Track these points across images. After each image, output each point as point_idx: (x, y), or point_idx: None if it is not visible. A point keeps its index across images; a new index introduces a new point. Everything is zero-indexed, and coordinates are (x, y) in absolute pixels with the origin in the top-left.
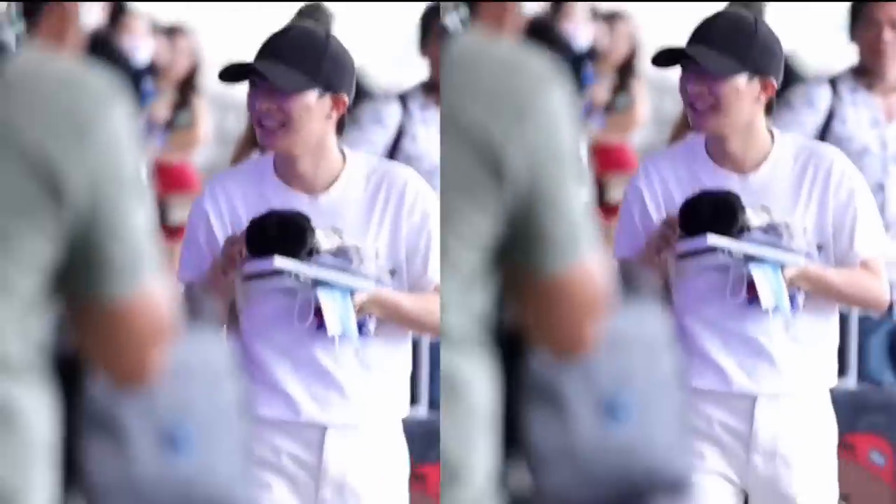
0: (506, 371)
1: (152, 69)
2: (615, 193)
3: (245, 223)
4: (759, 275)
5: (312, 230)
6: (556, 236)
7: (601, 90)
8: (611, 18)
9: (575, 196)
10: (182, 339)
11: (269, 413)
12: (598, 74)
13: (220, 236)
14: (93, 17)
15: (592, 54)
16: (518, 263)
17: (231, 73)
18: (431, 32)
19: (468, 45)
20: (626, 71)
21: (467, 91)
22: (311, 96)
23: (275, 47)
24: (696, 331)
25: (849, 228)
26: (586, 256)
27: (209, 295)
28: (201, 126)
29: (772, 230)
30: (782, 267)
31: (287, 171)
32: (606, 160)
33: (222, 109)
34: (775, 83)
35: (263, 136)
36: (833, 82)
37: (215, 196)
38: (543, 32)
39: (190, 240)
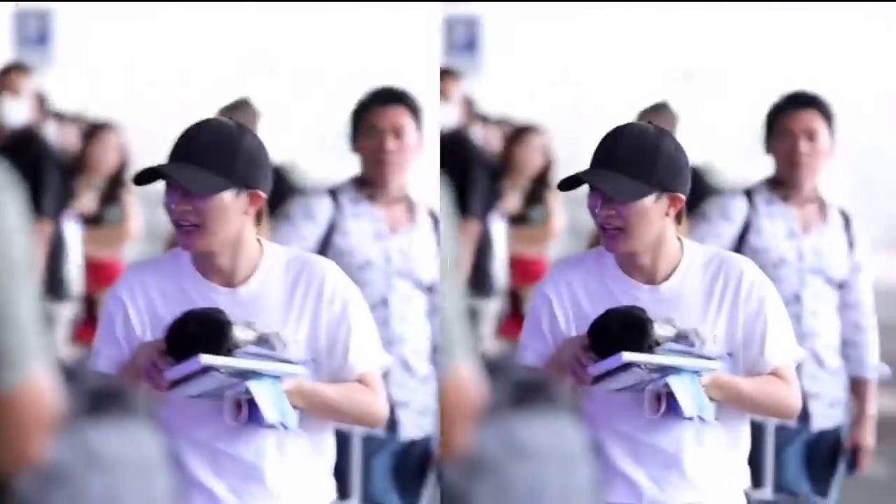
0: None
1: (80, 163)
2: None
3: (163, 316)
4: (678, 385)
5: (230, 324)
6: (7, 350)
7: (513, 201)
8: (524, 131)
9: (29, 309)
10: (113, 431)
11: None
12: (513, 186)
13: (138, 328)
14: (22, 114)
15: (504, 165)
16: None
17: (146, 177)
18: (362, 127)
19: None
20: (540, 183)
21: None
22: (227, 196)
23: (187, 149)
24: (608, 444)
25: (759, 336)
26: (35, 370)
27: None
28: (132, 221)
29: (682, 339)
30: (698, 374)
31: (205, 264)
32: (523, 272)
33: (153, 205)
34: (683, 196)
35: (181, 236)
36: (749, 193)
37: (132, 288)
38: (458, 143)
39: (106, 330)
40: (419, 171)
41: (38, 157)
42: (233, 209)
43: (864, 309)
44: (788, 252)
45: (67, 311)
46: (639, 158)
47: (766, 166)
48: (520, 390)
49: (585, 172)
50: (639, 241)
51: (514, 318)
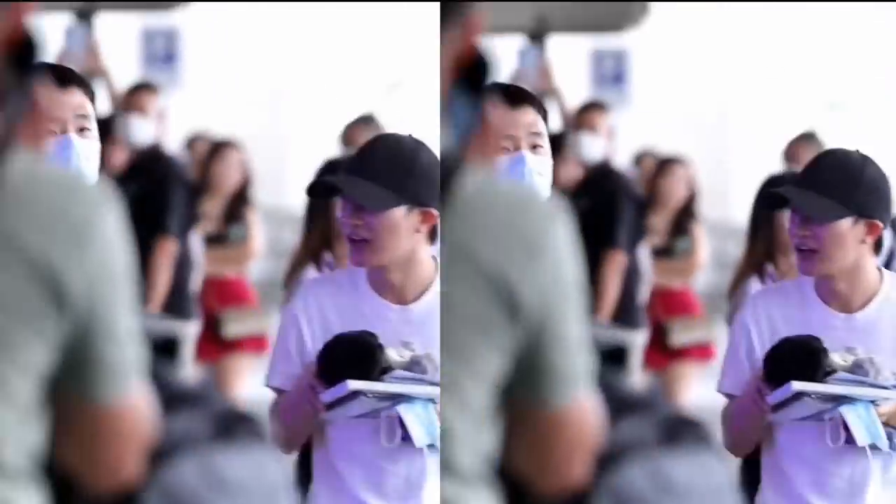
0: None
1: (204, 182)
2: (678, 337)
3: (336, 332)
4: (851, 414)
5: (381, 347)
6: (561, 370)
7: (659, 233)
8: (669, 162)
9: (578, 331)
10: (239, 455)
11: None
12: (658, 218)
13: (310, 344)
14: (148, 133)
15: (650, 197)
16: (519, 399)
17: (319, 190)
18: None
19: (473, 183)
20: (684, 214)
21: (477, 230)
22: (399, 213)
23: (362, 163)
24: (793, 472)
25: None
26: (585, 391)
27: (296, 409)
28: (255, 239)
29: (857, 368)
30: (874, 403)
31: (378, 280)
32: (669, 304)
33: (276, 222)
34: (881, 224)
35: (352, 251)
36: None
37: (307, 303)
38: (605, 175)
39: (280, 347)
40: None
41: (164, 175)
42: (404, 226)
43: None
44: None
45: (193, 330)
46: (840, 181)
47: None
48: (667, 426)
49: (787, 189)
50: (832, 265)
51: (655, 350)
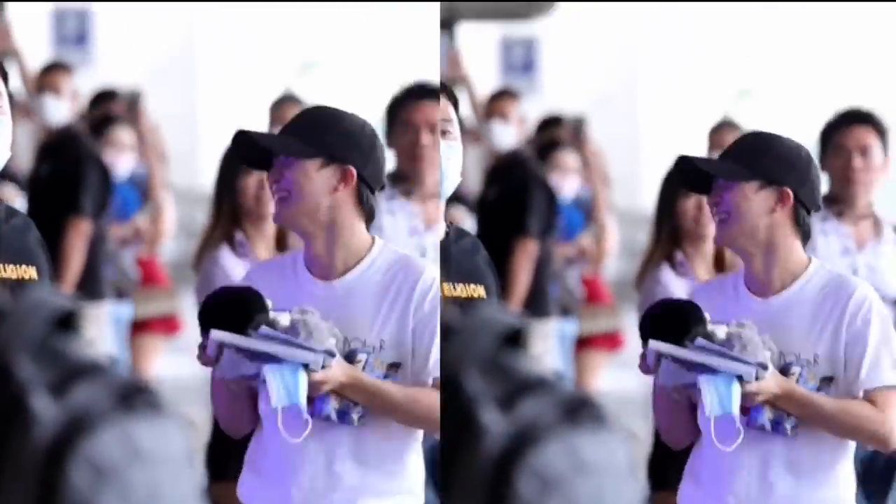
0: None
1: (133, 181)
2: (587, 326)
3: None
4: (707, 384)
5: (263, 305)
6: None
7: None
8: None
9: None
10: (147, 426)
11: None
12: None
13: None
14: (62, 113)
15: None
16: None
17: (242, 148)
18: (397, 123)
19: None
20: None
21: None
22: (312, 164)
23: (289, 125)
24: (704, 453)
25: (857, 359)
26: None
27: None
28: (166, 219)
29: (727, 341)
30: (740, 379)
31: (308, 256)
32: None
33: (188, 203)
34: (791, 193)
35: (275, 210)
36: None
37: (249, 283)
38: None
39: None
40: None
41: (78, 155)
42: (318, 179)
43: None
44: (843, 270)
45: (104, 310)
46: (749, 149)
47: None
48: (567, 406)
49: (696, 157)
50: (743, 229)
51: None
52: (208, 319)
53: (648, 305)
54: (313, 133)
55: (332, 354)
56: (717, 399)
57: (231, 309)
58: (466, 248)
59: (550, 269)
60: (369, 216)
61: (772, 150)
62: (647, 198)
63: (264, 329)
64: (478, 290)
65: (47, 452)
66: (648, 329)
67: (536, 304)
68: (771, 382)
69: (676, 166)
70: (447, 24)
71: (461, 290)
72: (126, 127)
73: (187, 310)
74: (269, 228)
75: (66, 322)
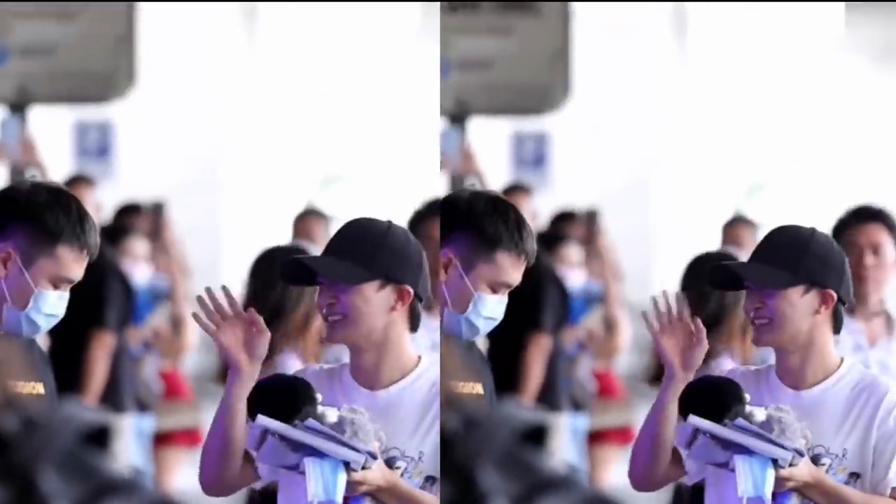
0: None
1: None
2: (599, 420)
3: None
4: (742, 463)
5: (312, 398)
6: None
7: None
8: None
9: None
10: None
11: None
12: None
13: None
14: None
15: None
16: None
17: (292, 272)
18: (842, 243)
19: None
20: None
21: None
22: (370, 287)
23: (333, 243)
24: None
25: (888, 457)
26: None
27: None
28: (189, 332)
29: (765, 424)
30: (775, 462)
31: (355, 365)
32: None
33: None
34: (835, 295)
35: (328, 330)
36: None
37: None
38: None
39: None
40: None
41: (102, 268)
42: (376, 301)
43: None
44: None
45: (128, 422)
46: (788, 250)
47: None
48: None
49: (736, 263)
50: (784, 334)
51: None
52: (257, 404)
53: (692, 381)
54: (366, 253)
55: (374, 456)
56: (752, 481)
57: (281, 397)
58: (462, 345)
59: (563, 364)
60: (416, 327)
61: (809, 249)
62: (659, 292)
63: (311, 422)
64: (476, 388)
65: None
66: (688, 404)
67: (549, 399)
68: (804, 470)
69: (711, 275)
70: (459, 119)
71: (460, 388)
72: (140, 238)
73: (209, 422)
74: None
75: (96, 437)
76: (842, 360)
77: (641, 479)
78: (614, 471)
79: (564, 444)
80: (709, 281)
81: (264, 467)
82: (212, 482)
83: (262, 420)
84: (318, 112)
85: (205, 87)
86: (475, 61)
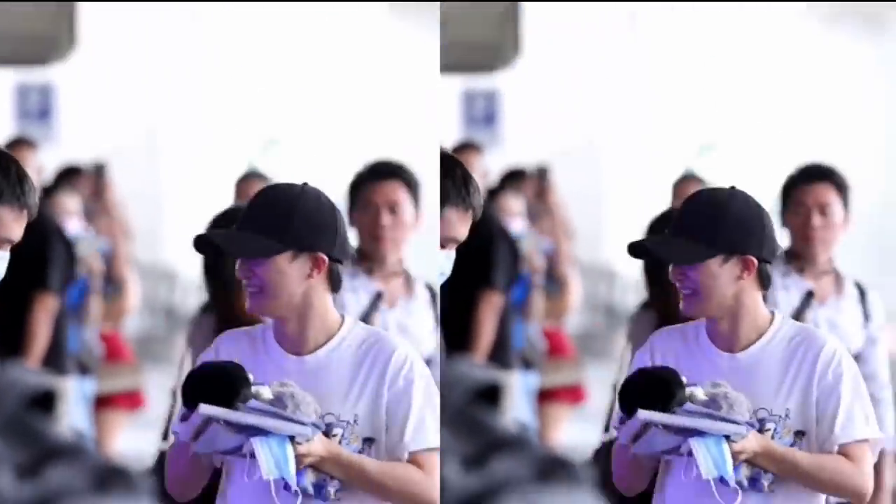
0: None
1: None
2: (549, 378)
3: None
4: (699, 446)
5: (245, 379)
6: None
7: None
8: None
9: None
10: None
11: None
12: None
13: None
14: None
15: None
16: None
17: (201, 245)
18: (358, 202)
19: None
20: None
21: None
22: (283, 258)
23: (246, 214)
24: None
25: (831, 414)
26: None
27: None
28: (131, 295)
29: (712, 402)
30: (729, 438)
31: (279, 331)
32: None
33: (152, 278)
34: (755, 260)
35: (248, 301)
36: None
37: (218, 352)
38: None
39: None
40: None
41: (44, 231)
42: (290, 271)
43: (880, 381)
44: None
45: (70, 385)
46: (704, 221)
47: (783, 238)
48: (540, 465)
49: (650, 239)
50: (712, 304)
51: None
52: (194, 393)
53: (627, 376)
54: (277, 224)
55: (318, 427)
56: (712, 461)
57: (216, 382)
58: None
59: (513, 321)
60: (337, 288)
61: (727, 217)
62: (610, 252)
63: (254, 402)
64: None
65: None
66: (630, 399)
67: (500, 357)
68: (753, 441)
69: (630, 251)
70: None
71: None
72: (72, 194)
73: (151, 385)
74: None
75: (42, 401)
76: (773, 315)
77: (628, 489)
78: (565, 429)
79: (516, 403)
80: (631, 254)
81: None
82: (183, 493)
83: (206, 409)
84: (258, 74)
85: (146, 50)
86: None
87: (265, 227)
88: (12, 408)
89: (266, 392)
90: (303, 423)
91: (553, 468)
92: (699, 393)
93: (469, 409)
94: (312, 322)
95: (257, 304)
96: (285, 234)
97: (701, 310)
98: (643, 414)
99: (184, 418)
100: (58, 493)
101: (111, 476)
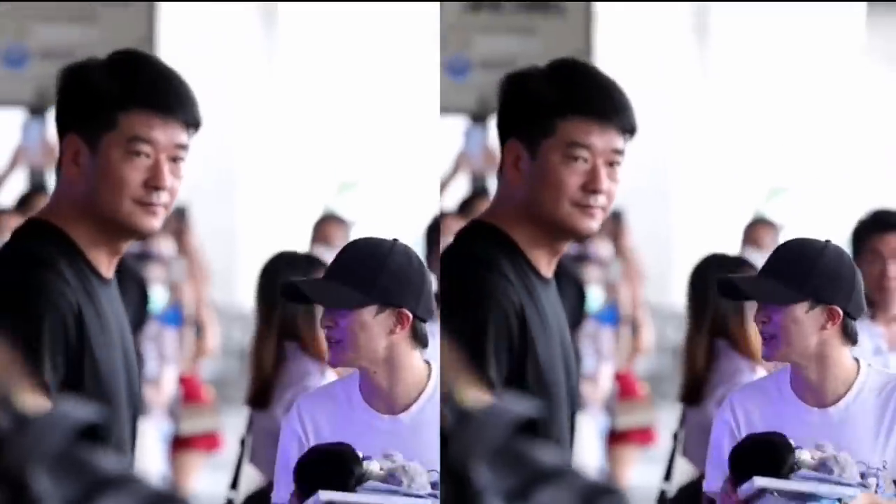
0: None
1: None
2: (620, 420)
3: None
4: None
5: (357, 458)
6: None
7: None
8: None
9: None
10: None
11: None
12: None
13: None
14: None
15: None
16: None
17: (290, 293)
18: (864, 250)
19: None
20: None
21: None
22: (368, 312)
23: (334, 265)
24: None
25: None
26: None
27: None
28: (209, 337)
29: (822, 466)
30: (840, 501)
31: (368, 389)
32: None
33: (227, 320)
34: (841, 312)
35: (329, 353)
36: None
37: (302, 416)
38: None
39: (281, 462)
40: None
41: (119, 273)
42: (373, 326)
43: None
44: None
45: (146, 426)
46: (795, 266)
47: None
48: (585, 495)
49: (739, 277)
50: (792, 350)
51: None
52: (309, 481)
53: (737, 442)
54: (364, 277)
55: (435, 497)
56: None
57: (330, 465)
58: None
59: (581, 365)
60: (424, 345)
61: (817, 266)
62: (678, 294)
63: (371, 483)
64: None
65: None
66: (743, 466)
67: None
68: (862, 500)
69: (719, 288)
70: (481, 117)
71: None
72: (166, 236)
73: (228, 427)
74: None
75: (92, 434)
76: (858, 364)
77: None
78: (634, 471)
79: (585, 444)
80: (719, 291)
81: None
82: None
83: (326, 495)
84: (336, 116)
85: (224, 90)
86: (498, 61)
87: (352, 279)
88: (60, 442)
89: (374, 466)
90: (850, 485)
91: (598, 497)
92: (806, 456)
93: (513, 445)
94: (400, 378)
95: (338, 355)
96: (372, 286)
97: (781, 355)
98: (759, 481)
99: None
100: None
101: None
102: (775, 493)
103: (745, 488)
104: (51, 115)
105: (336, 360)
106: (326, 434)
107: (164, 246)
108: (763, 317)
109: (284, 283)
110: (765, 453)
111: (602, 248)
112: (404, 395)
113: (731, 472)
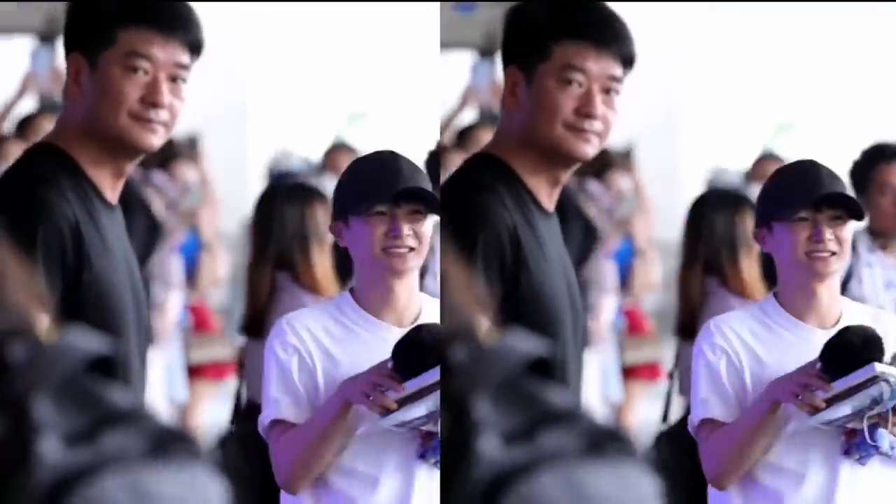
0: None
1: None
2: (629, 356)
3: (336, 356)
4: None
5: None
6: None
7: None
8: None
9: None
10: (173, 474)
11: None
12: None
13: (311, 373)
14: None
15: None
16: None
17: (404, 196)
18: (873, 184)
19: None
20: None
21: None
22: (430, 221)
23: (408, 173)
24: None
25: None
26: None
27: (331, 430)
28: (219, 267)
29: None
30: None
31: (377, 301)
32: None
33: (239, 250)
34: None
35: (396, 261)
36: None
37: (298, 333)
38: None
39: (281, 380)
40: None
41: (128, 203)
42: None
43: None
44: (886, 303)
45: (154, 355)
46: (845, 185)
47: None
48: (591, 438)
49: (835, 192)
50: (844, 266)
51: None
52: (419, 359)
53: (829, 339)
54: (429, 186)
55: None
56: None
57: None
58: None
59: (588, 299)
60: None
61: (843, 184)
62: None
63: None
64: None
65: (46, 497)
66: (850, 357)
67: None
68: None
69: (825, 201)
70: (489, 52)
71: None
72: (191, 165)
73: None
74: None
75: (101, 366)
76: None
77: (724, 483)
78: (641, 406)
79: (592, 380)
80: (824, 202)
81: None
82: (304, 479)
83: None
84: (348, 48)
85: (234, 23)
86: None
87: (427, 188)
88: (68, 373)
89: None
90: None
91: (604, 440)
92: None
93: (521, 384)
94: (415, 293)
95: (408, 263)
96: (433, 197)
97: (835, 271)
98: (879, 367)
99: (387, 384)
100: (105, 457)
101: (170, 440)
102: (889, 381)
103: (857, 375)
104: (60, 43)
105: (406, 268)
106: (328, 344)
107: (189, 173)
108: (830, 234)
109: (403, 188)
110: (870, 343)
111: (622, 181)
112: (414, 308)
113: (829, 368)
